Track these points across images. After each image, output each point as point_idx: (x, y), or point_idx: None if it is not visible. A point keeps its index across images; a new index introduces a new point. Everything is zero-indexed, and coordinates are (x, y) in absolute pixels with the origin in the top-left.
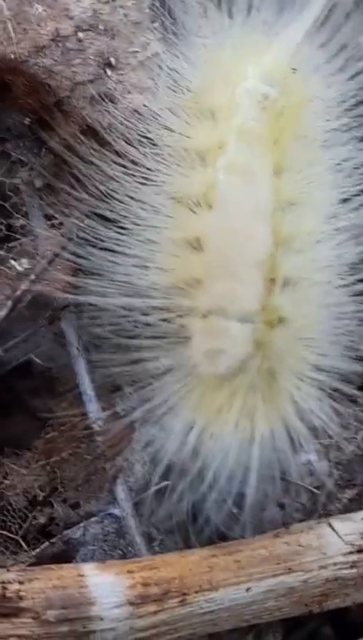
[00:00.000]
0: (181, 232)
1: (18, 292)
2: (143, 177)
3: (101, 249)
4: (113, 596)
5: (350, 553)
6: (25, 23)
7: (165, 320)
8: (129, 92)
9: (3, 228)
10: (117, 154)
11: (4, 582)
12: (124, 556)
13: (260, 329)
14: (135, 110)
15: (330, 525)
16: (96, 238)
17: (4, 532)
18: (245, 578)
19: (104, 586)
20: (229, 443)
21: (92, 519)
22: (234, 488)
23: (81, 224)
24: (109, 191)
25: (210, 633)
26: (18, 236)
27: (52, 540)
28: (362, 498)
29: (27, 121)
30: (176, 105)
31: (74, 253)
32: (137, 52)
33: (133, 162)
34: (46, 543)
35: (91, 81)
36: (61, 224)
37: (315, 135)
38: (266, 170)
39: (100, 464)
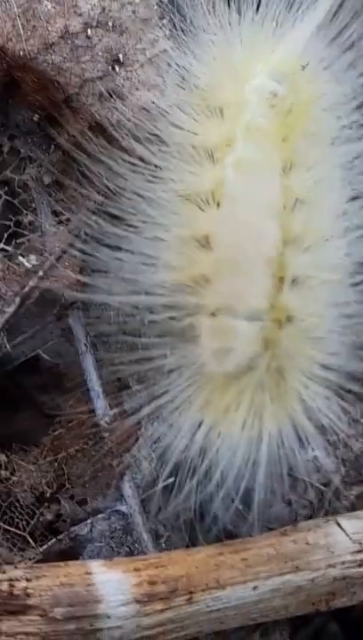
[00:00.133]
0: (189, 230)
1: (26, 289)
2: (151, 174)
3: (109, 246)
4: (120, 594)
5: (358, 551)
6: (34, 20)
7: (172, 318)
8: (137, 89)
9: (11, 224)
10: (125, 151)
11: (11, 580)
12: (130, 553)
13: (268, 327)
14: (143, 107)
15: (338, 524)
16: (104, 236)
17: (12, 529)
18: (252, 576)
19: (111, 584)
20: (237, 441)
21: (99, 516)
22: (242, 486)
23: (89, 221)
24: (117, 188)
25: (216, 631)
26: (26, 233)
27: (59, 537)
28: None
29: (36, 117)
30: (184, 102)
31: (82, 251)
32: (145, 48)
33: (141, 159)
34: (53, 540)
35: (99, 78)
36: (69, 220)
37: (324, 132)
38: (275, 167)
39: (107, 461)
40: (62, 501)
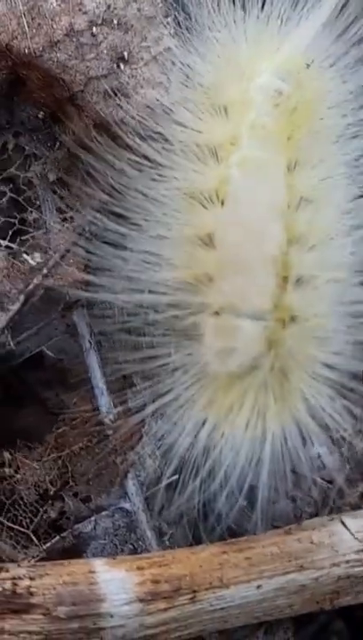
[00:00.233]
0: (193, 228)
1: (30, 287)
2: (155, 172)
3: (113, 245)
4: (123, 593)
5: None
6: (39, 18)
7: (176, 317)
8: (142, 87)
9: (16, 221)
10: (130, 149)
11: (14, 578)
12: (134, 551)
13: (272, 327)
14: (148, 105)
15: (342, 522)
16: (107, 234)
17: (15, 526)
18: (255, 575)
19: (114, 582)
20: (241, 441)
21: (103, 513)
22: (245, 486)
23: (93, 219)
24: (121, 186)
25: (220, 629)
26: (31, 230)
27: (63, 535)
28: None
29: (41, 115)
30: (189, 100)
31: (85, 249)
32: (150, 46)
33: (145, 157)
34: (57, 537)
35: (104, 76)
36: (74, 218)
37: (330, 130)
38: (279, 166)
39: (111, 458)
40: (66, 499)
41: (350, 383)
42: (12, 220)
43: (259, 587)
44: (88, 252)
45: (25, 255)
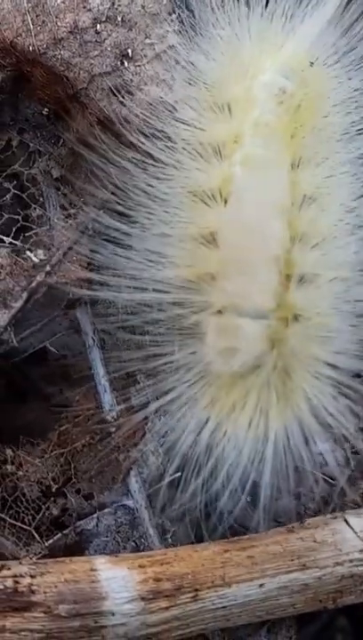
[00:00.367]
0: (196, 227)
1: (33, 284)
2: (158, 170)
3: (115, 243)
4: (125, 591)
5: None
6: (43, 15)
7: (179, 316)
8: (146, 85)
9: (19, 218)
10: (133, 147)
11: (15, 576)
12: (136, 548)
13: (275, 326)
14: (152, 103)
15: (346, 521)
16: (110, 232)
17: (18, 523)
18: (258, 574)
19: (116, 581)
20: (243, 440)
21: (106, 510)
22: (248, 485)
23: (96, 217)
24: (124, 184)
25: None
26: (34, 227)
27: (65, 532)
28: None
29: (45, 112)
30: (192, 98)
31: (88, 247)
32: (154, 44)
33: (148, 155)
34: (59, 534)
35: (108, 73)
36: (78, 215)
37: (333, 128)
38: (283, 164)
39: (113, 455)
40: (68, 496)
41: (353, 382)
42: (16, 217)
43: (261, 585)
44: (91, 249)
45: (28, 252)
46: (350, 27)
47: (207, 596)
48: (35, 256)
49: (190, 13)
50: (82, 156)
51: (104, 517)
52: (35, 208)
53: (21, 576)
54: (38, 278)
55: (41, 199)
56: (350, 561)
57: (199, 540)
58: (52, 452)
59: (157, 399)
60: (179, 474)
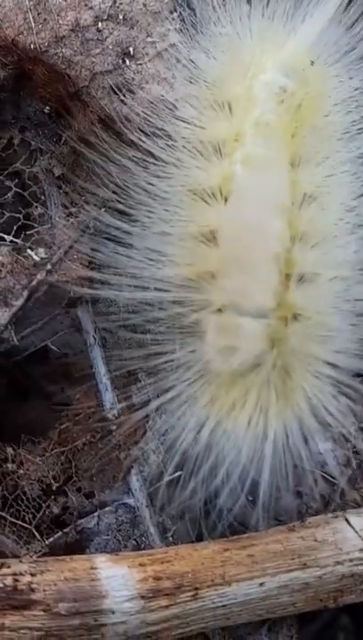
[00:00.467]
0: (196, 225)
1: (34, 282)
2: (159, 169)
3: (116, 241)
4: (125, 590)
5: None
6: (45, 13)
7: (179, 314)
8: (147, 83)
9: (21, 216)
10: (134, 145)
11: (15, 574)
12: (137, 546)
13: (274, 325)
14: (153, 101)
15: (347, 520)
16: (111, 231)
17: (18, 522)
18: (258, 573)
19: (116, 579)
20: (243, 439)
21: (107, 509)
22: (247, 483)
23: (97, 216)
24: (125, 183)
25: (222, 626)
26: (36, 225)
27: (66, 530)
28: None
29: (47, 110)
30: (193, 96)
31: (89, 246)
32: (156, 42)
33: (149, 153)
34: (60, 533)
35: (109, 71)
36: (79, 214)
37: (334, 127)
38: (283, 163)
39: (114, 454)
40: (69, 494)
41: (353, 381)
42: (17, 216)
43: (262, 584)
44: (92, 248)
45: (29, 251)
46: (352, 26)
47: (207, 595)
48: (36, 254)
49: (192, 12)
50: (83, 154)
51: (105, 516)
52: (36, 206)
53: (21, 574)
54: (39, 277)
55: (42, 197)
56: (351, 560)
57: (200, 539)
58: (52, 450)
59: (158, 397)
60: (180, 473)
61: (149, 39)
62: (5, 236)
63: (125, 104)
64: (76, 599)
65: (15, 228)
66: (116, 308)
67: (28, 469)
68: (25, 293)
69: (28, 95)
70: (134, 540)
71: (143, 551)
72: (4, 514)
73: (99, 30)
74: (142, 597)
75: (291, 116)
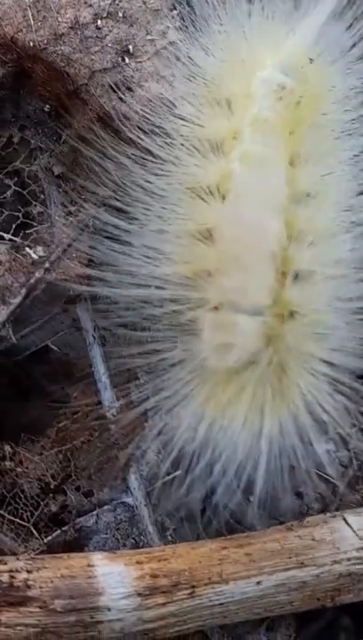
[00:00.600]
0: (194, 223)
1: (32, 280)
2: (157, 167)
3: (113, 239)
4: (121, 587)
5: None
6: (44, 11)
7: (175, 312)
8: (146, 81)
9: (20, 215)
10: (132, 143)
11: (11, 571)
12: (136, 545)
13: (270, 322)
14: (152, 99)
15: (345, 520)
16: (109, 229)
17: (16, 520)
18: (255, 571)
19: (113, 576)
20: (238, 436)
21: (105, 507)
22: (243, 481)
23: (96, 214)
24: (123, 181)
25: (220, 625)
26: (35, 224)
27: (64, 528)
28: None
29: (46, 108)
30: (192, 94)
31: (88, 244)
32: (155, 40)
33: (147, 151)
34: (58, 531)
35: (109, 69)
36: (79, 212)
37: (333, 126)
38: (281, 161)
39: (113, 453)
40: (68, 492)
41: (349, 379)
42: (17, 214)
43: (259, 583)
44: (90, 246)
45: (27, 249)
46: (351, 24)
47: (204, 593)
48: (34, 253)
49: (191, 9)
50: (82, 152)
51: (103, 514)
52: (35, 205)
53: (17, 571)
54: (37, 275)
55: (42, 196)
56: (349, 559)
57: (199, 537)
58: (51, 448)
59: (154, 396)
60: (179, 472)
61: (149, 37)
62: (4, 235)
63: (124, 102)
64: (72, 596)
65: (14, 226)
66: (115, 305)
67: (27, 468)
68: (23, 291)
69: (27, 93)
70: (133, 538)
71: (141, 549)
72: (1, 512)
73: (98, 28)
74: (139, 595)
75: (289, 113)
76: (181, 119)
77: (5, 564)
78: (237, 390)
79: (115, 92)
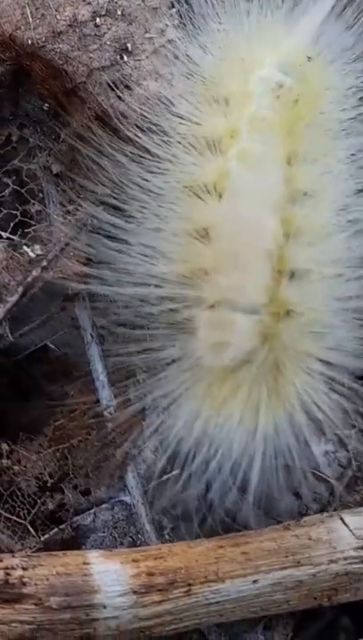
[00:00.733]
0: (191, 222)
1: (29, 279)
2: (154, 165)
3: (110, 238)
4: (117, 585)
5: (361, 548)
6: (43, 8)
7: (172, 310)
8: (145, 79)
9: (18, 213)
10: (130, 141)
11: (7, 568)
12: (133, 544)
13: (266, 321)
14: (150, 97)
15: (341, 519)
16: (106, 227)
17: (13, 517)
18: (252, 570)
19: (108, 574)
20: (234, 435)
21: (103, 506)
22: (238, 479)
23: (94, 212)
24: (120, 179)
25: (217, 623)
26: (33, 223)
27: (62, 527)
28: None
29: (45, 106)
30: (190, 92)
31: (85, 243)
32: (154, 38)
33: (144, 149)
34: (55, 529)
35: (107, 67)
36: (77, 211)
37: (330, 125)
38: (279, 159)
39: (110, 451)
40: (65, 491)
41: (345, 379)
42: (15, 212)
43: (255, 581)
44: (88, 244)
45: (25, 247)
46: (350, 23)
47: (200, 591)
48: (31, 251)
49: (190, 8)
50: (80, 151)
51: (101, 513)
52: (33, 204)
53: (13, 568)
54: (34, 273)
55: (40, 195)
56: (345, 559)
57: (197, 536)
58: (48, 447)
59: (151, 394)
60: (177, 471)
61: (147, 35)
62: (2, 233)
63: (122, 100)
64: (67, 593)
65: (12, 224)
66: (113, 304)
67: (24, 466)
68: (20, 289)
69: (26, 92)
70: (130, 537)
71: (137, 547)
72: None
73: (96, 26)
74: (135, 593)
75: (287, 112)
76: (179, 117)
77: (1, 561)
78: (233, 389)
79: (113, 90)
